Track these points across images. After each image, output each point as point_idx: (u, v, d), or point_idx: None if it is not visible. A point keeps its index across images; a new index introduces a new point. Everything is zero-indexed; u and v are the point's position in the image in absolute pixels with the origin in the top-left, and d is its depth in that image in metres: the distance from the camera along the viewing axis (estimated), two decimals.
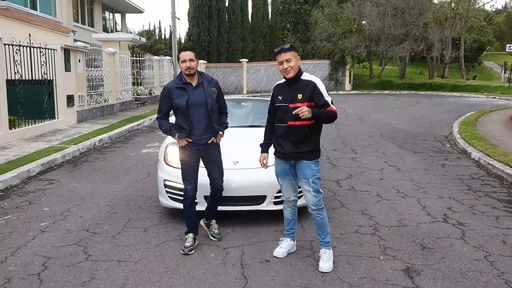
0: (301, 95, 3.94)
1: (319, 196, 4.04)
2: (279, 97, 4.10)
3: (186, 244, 4.38)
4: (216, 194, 4.64)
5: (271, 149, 4.31)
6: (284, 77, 4.08)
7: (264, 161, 4.37)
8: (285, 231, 4.43)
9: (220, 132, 4.58)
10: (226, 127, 4.71)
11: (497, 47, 55.06)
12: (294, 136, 3.99)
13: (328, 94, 4.00)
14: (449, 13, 34.90)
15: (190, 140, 4.40)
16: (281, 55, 3.97)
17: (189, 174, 4.46)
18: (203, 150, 4.48)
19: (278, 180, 4.32)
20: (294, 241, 4.41)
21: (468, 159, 8.95)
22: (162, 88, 4.53)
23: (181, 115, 4.41)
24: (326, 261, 4.02)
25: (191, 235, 4.47)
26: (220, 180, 4.59)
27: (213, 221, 4.76)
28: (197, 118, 4.39)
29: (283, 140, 4.06)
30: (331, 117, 3.91)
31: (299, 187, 4.23)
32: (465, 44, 36.07)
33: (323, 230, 4.10)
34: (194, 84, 4.41)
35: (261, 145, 4.41)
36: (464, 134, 11.14)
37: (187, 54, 4.34)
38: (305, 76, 4.04)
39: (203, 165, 4.59)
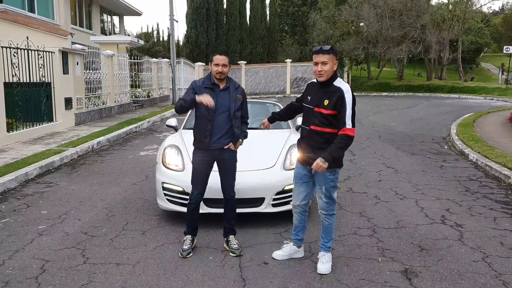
0: (327, 101, 3.82)
1: (330, 203, 4.02)
2: (309, 97, 4.02)
3: (184, 247, 4.35)
4: (229, 202, 4.55)
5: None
6: (316, 79, 3.96)
7: (262, 126, 4.54)
8: (291, 236, 4.38)
9: (240, 140, 4.51)
10: (246, 136, 4.61)
11: (494, 48, 55.20)
12: (313, 141, 3.93)
13: (354, 104, 3.81)
14: (447, 15, 35.02)
15: (212, 103, 4.15)
16: (319, 56, 3.82)
17: (198, 179, 4.39)
18: (218, 155, 4.39)
19: (294, 182, 4.23)
20: (299, 248, 4.32)
21: (466, 160, 8.96)
22: (191, 82, 4.45)
23: (202, 115, 4.31)
24: (324, 263, 4.01)
25: (189, 236, 4.44)
26: (231, 187, 4.51)
27: (232, 237, 4.56)
28: (218, 121, 4.31)
29: (304, 143, 4.03)
30: (345, 145, 3.78)
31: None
32: (462, 45, 36.20)
33: (327, 234, 4.09)
34: (221, 87, 4.36)
35: (272, 114, 4.62)
36: (462, 135, 11.17)
37: (222, 59, 4.27)
38: (338, 82, 3.88)
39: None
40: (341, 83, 3.88)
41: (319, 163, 3.72)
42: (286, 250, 4.31)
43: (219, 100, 4.29)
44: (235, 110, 4.37)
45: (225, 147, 4.38)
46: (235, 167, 4.52)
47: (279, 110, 4.50)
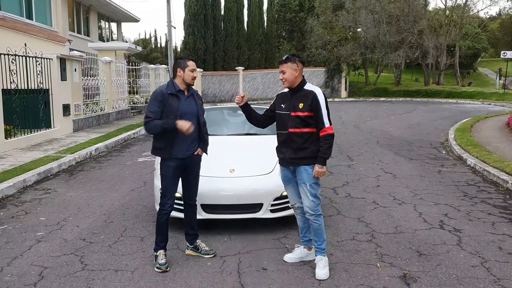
0: (302, 104, 4.07)
1: (316, 202, 4.10)
2: (282, 105, 4.23)
3: (161, 262, 4.17)
4: (193, 206, 4.53)
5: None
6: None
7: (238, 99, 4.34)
8: (300, 239, 4.43)
9: (206, 146, 4.48)
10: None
11: (491, 53, 55.38)
12: (294, 143, 4.11)
13: (327, 104, 4.10)
14: (444, 20, 35.13)
15: (191, 125, 4.11)
16: (280, 66, 4.15)
17: (170, 189, 4.30)
18: (189, 163, 4.34)
19: (284, 187, 4.41)
20: (310, 250, 4.34)
21: (464, 165, 8.98)
22: (154, 91, 4.31)
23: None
24: (322, 269, 4.03)
25: (162, 251, 4.27)
26: (196, 191, 4.49)
27: (198, 241, 4.54)
28: None
29: (284, 147, 4.19)
30: (330, 144, 4.06)
31: None
32: (460, 51, 36.26)
33: (319, 236, 4.13)
34: (186, 93, 4.32)
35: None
36: (459, 140, 11.19)
37: (195, 64, 4.31)
38: (308, 86, 4.17)
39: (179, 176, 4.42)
40: (312, 87, 4.17)
41: (318, 170, 4.02)
42: (297, 253, 4.36)
43: (186, 106, 4.25)
44: (202, 116, 4.38)
45: (194, 153, 4.36)
46: (199, 172, 4.50)
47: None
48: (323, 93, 4.16)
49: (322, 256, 4.10)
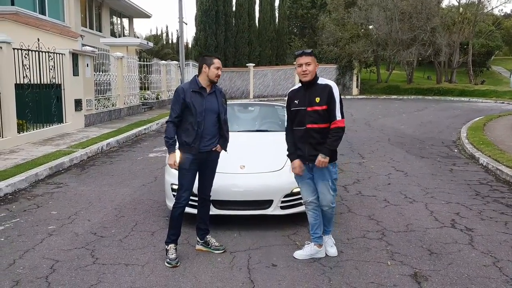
0: (318, 98, 4.13)
1: (334, 195, 4.31)
2: (295, 101, 4.26)
3: (172, 257, 4.20)
4: (206, 201, 4.57)
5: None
6: (300, 81, 4.25)
7: (299, 168, 4.26)
8: (310, 236, 4.45)
9: (226, 143, 4.52)
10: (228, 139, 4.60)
11: (505, 52, 54.77)
12: (312, 138, 4.17)
13: (341, 98, 4.19)
14: (457, 17, 34.74)
15: (180, 159, 4.29)
16: (302, 57, 4.14)
17: (187, 182, 4.34)
18: (206, 157, 4.40)
19: (298, 183, 4.44)
20: (320, 247, 4.35)
21: (476, 164, 8.89)
22: (176, 89, 4.40)
23: (191, 119, 4.28)
24: (333, 247, 4.38)
25: (173, 245, 4.30)
26: (211, 186, 4.55)
27: (209, 236, 4.58)
28: (208, 125, 4.32)
29: (302, 143, 4.22)
30: (339, 137, 4.12)
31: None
32: (473, 48, 35.87)
33: (330, 223, 4.44)
34: (208, 90, 4.38)
35: (288, 155, 4.38)
36: (472, 139, 11.08)
37: (220, 62, 4.36)
38: (322, 80, 4.23)
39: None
40: (326, 81, 4.24)
41: (321, 159, 4.08)
42: (307, 250, 4.38)
43: (207, 103, 4.31)
44: (223, 114, 4.43)
45: (213, 149, 4.40)
46: (216, 169, 4.56)
47: (288, 148, 4.39)
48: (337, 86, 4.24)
49: (329, 236, 4.43)
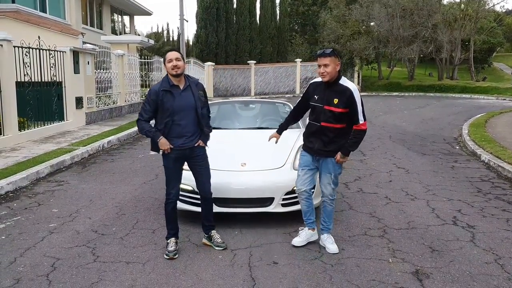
0: (337, 99, 4.15)
1: (335, 188, 4.43)
2: (315, 96, 4.32)
3: (170, 249, 4.27)
4: (207, 199, 4.53)
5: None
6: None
7: (273, 139, 4.71)
8: (304, 221, 4.59)
9: (207, 139, 4.47)
10: (211, 131, 4.58)
11: (507, 48, 54.58)
12: (325, 136, 4.26)
13: (362, 100, 4.21)
14: (459, 14, 34.64)
15: (172, 147, 4.25)
16: (321, 58, 4.14)
17: (173, 178, 4.37)
18: (190, 155, 4.35)
19: (298, 170, 4.53)
20: (314, 230, 4.56)
21: (477, 161, 8.87)
22: (148, 91, 4.32)
23: (166, 119, 4.22)
24: (333, 244, 4.40)
25: (173, 239, 4.37)
26: (209, 184, 4.49)
27: (213, 232, 4.58)
28: (184, 122, 4.25)
29: (315, 138, 4.33)
30: (360, 139, 4.25)
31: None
32: (474, 45, 35.79)
33: (330, 218, 4.49)
34: (181, 87, 4.27)
35: (279, 126, 4.80)
36: (473, 136, 11.06)
37: (174, 54, 4.22)
38: (343, 81, 4.22)
39: (188, 169, 4.47)
40: (347, 82, 4.23)
41: (340, 159, 4.26)
42: (303, 236, 4.53)
43: (182, 101, 4.22)
44: (201, 108, 4.33)
45: (195, 145, 4.35)
46: (208, 164, 4.50)
47: (287, 116, 4.80)
48: (357, 89, 4.26)
49: (328, 234, 4.48)
